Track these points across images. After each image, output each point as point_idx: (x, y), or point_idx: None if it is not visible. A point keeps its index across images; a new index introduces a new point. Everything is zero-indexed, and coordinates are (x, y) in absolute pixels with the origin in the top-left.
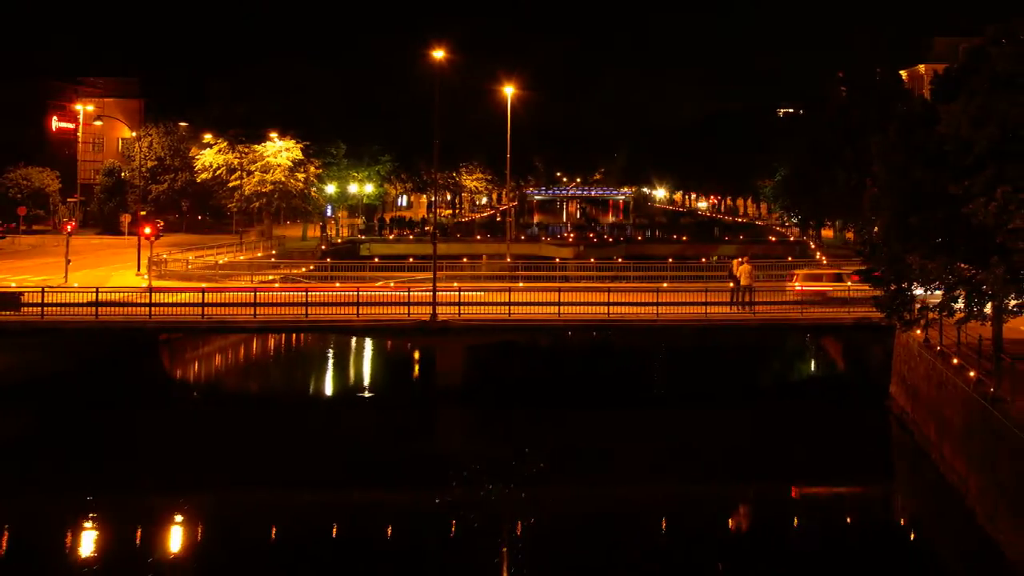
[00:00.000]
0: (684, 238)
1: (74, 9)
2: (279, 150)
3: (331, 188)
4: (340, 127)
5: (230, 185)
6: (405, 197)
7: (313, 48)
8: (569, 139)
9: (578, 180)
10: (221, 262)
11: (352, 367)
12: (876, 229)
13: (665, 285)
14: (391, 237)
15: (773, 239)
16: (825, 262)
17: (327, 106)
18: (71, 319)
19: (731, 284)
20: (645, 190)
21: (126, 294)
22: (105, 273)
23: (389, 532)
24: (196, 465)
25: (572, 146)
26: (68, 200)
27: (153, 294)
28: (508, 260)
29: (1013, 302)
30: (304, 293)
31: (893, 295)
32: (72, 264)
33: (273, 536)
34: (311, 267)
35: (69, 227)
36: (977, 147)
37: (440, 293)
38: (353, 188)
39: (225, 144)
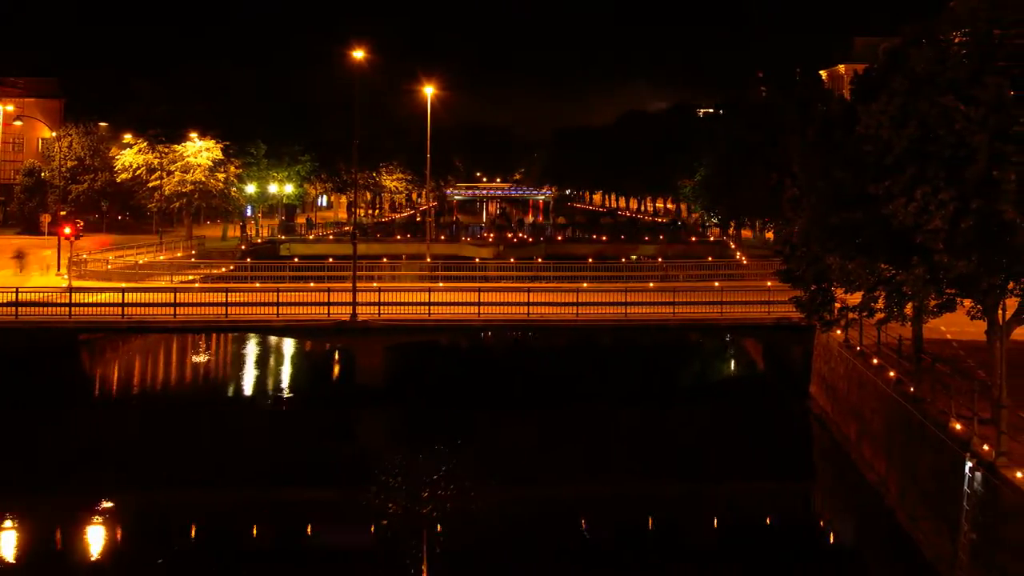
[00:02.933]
0: (604, 238)
1: None
2: (199, 150)
3: (251, 188)
4: (261, 127)
5: (150, 185)
6: (325, 197)
7: (234, 48)
8: (489, 139)
9: (498, 180)
10: (141, 262)
11: (272, 367)
12: (796, 229)
13: (585, 285)
14: (311, 237)
15: (693, 239)
16: (745, 262)
17: (248, 106)
18: None
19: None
20: (566, 190)
21: (46, 294)
22: (25, 273)
23: (309, 531)
24: (116, 465)
25: (492, 146)
26: None
27: (73, 294)
28: (428, 260)
29: (933, 302)
30: (224, 293)
31: (813, 295)
32: None
33: (193, 535)
34: (231, 267)
35: None
36: (897, 147)
37: (360, 293)
38: (273, 188)
39: (145, 144)
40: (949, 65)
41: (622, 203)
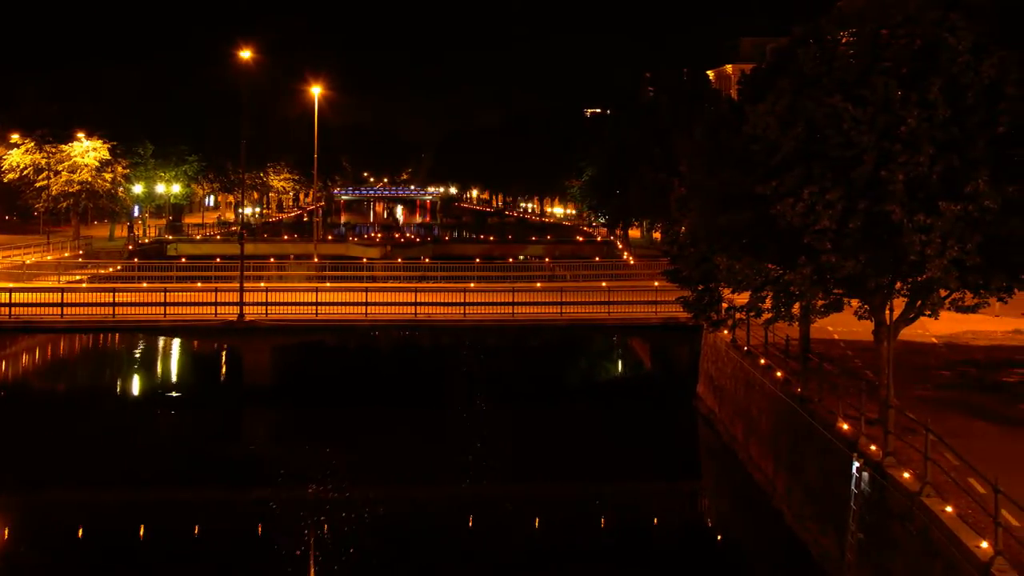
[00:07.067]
0: (491, 238)
1: None
2: (86, 150)
3: (138, 188)
4: (148, 127)
5: (37, 185)
6: (212, 197)
7: (122, 49)
8: (377, 139)
9: (385, 180)
10: (28, 262)
11: (160, 367)
12: (683, 229)
13: (472, 285)
14: (198, 237)
15: (580, 239)
16: (633, 263)
17: (135, 106)
18: None
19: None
20: (453, 190)
21: None
22: None
23: (196, 531)
24: (2, 465)
25: (380, 146)
26: None
27: None
28: (315, 260)
29: (820, 302)
30: (111, 293)
31: (700, 295)
32: None
33: (80, 536)
34: (118, 267)
35: None
36: (784, 147)
37: (247, 293)
38: (160, 188)
39: (32, 144)
40: (836, 65)
41: (511, 203)
